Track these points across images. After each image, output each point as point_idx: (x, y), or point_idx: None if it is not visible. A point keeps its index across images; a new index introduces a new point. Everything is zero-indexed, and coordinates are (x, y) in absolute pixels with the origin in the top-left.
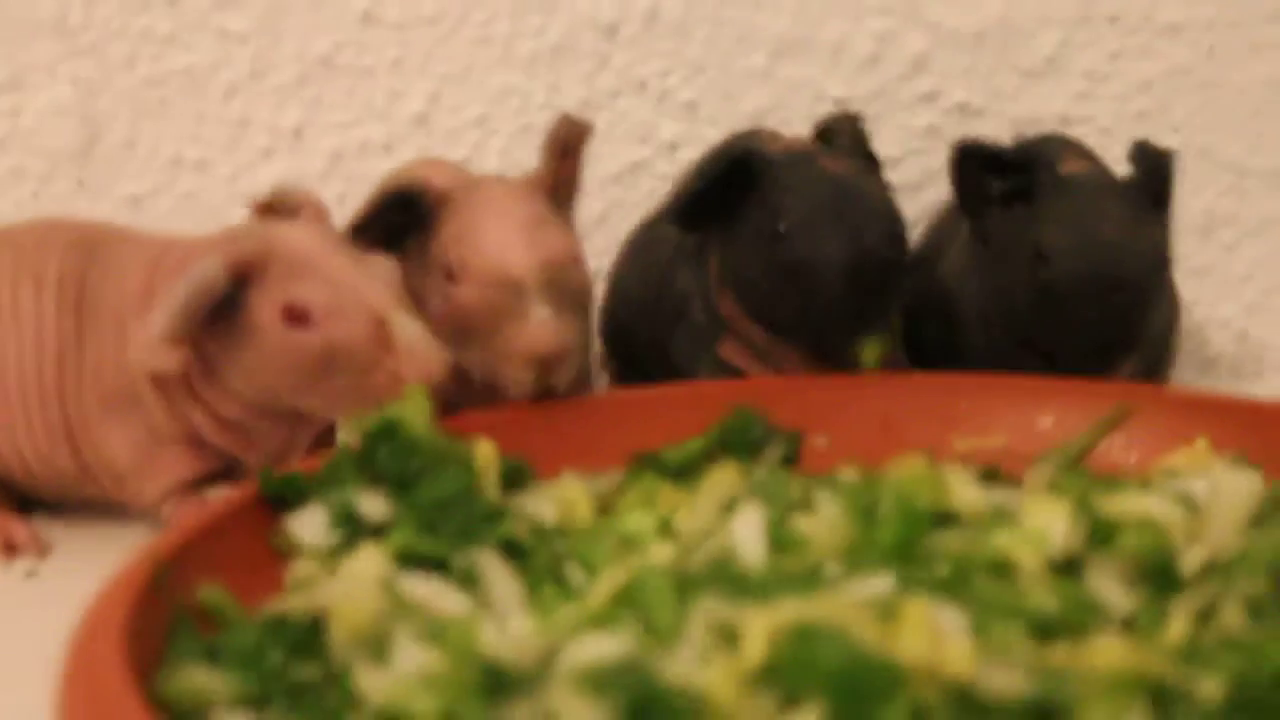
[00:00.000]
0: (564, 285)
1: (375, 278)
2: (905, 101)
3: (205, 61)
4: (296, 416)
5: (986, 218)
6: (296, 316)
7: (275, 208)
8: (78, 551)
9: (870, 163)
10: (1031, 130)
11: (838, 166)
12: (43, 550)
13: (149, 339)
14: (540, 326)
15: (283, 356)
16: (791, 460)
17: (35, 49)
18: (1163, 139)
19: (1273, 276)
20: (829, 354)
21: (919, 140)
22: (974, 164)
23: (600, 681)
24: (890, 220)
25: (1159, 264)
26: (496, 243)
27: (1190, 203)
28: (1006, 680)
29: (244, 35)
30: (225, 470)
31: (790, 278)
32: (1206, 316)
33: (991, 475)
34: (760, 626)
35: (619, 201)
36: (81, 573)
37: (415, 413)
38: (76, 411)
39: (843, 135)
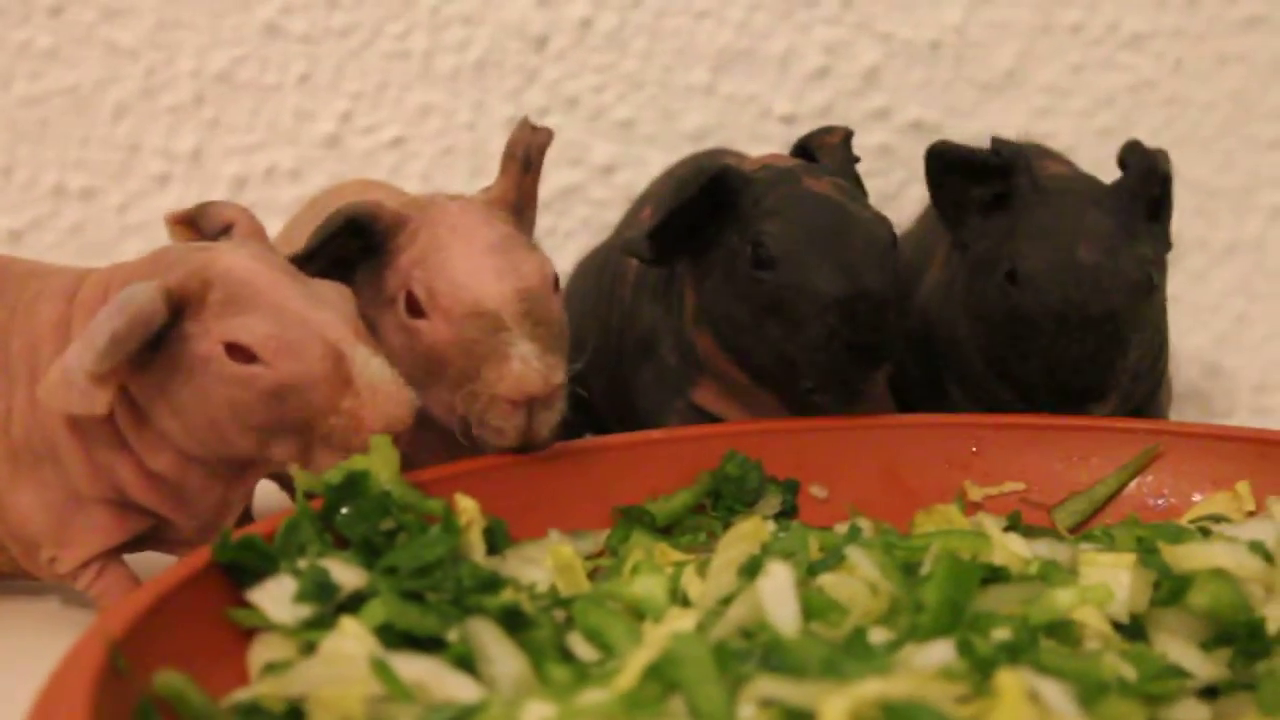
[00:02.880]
0: (544, 316)
1: (328, 306)
2: (856, 119)
3: (91, 79)
4: (233, 469)
5: (965, 227)
6: (242, 352)
7: (199, 223)
8: None
9: (857, 184)
10: None
11: (824, 187)
12: None
13: (69, 377)
14: (525, 365)
15: (227, 395)
16: (789, 512)
17: None
18: None
19: (1243, 304)
20: (817, 402)
21: (872, 160)
22: (949, 168)
23: None
24: (887, 249)
25: (1142, 289)
26: (465, 270)
27: None
28: None
29: (134, 50)
30: (150, 534)
31: (774, 313)
32: (1175, 348)
33: (1014, 524)
34: (840, 709)
35: (550, 229)
36: None
37: (382, 465)
38: None
39: (827, 152)
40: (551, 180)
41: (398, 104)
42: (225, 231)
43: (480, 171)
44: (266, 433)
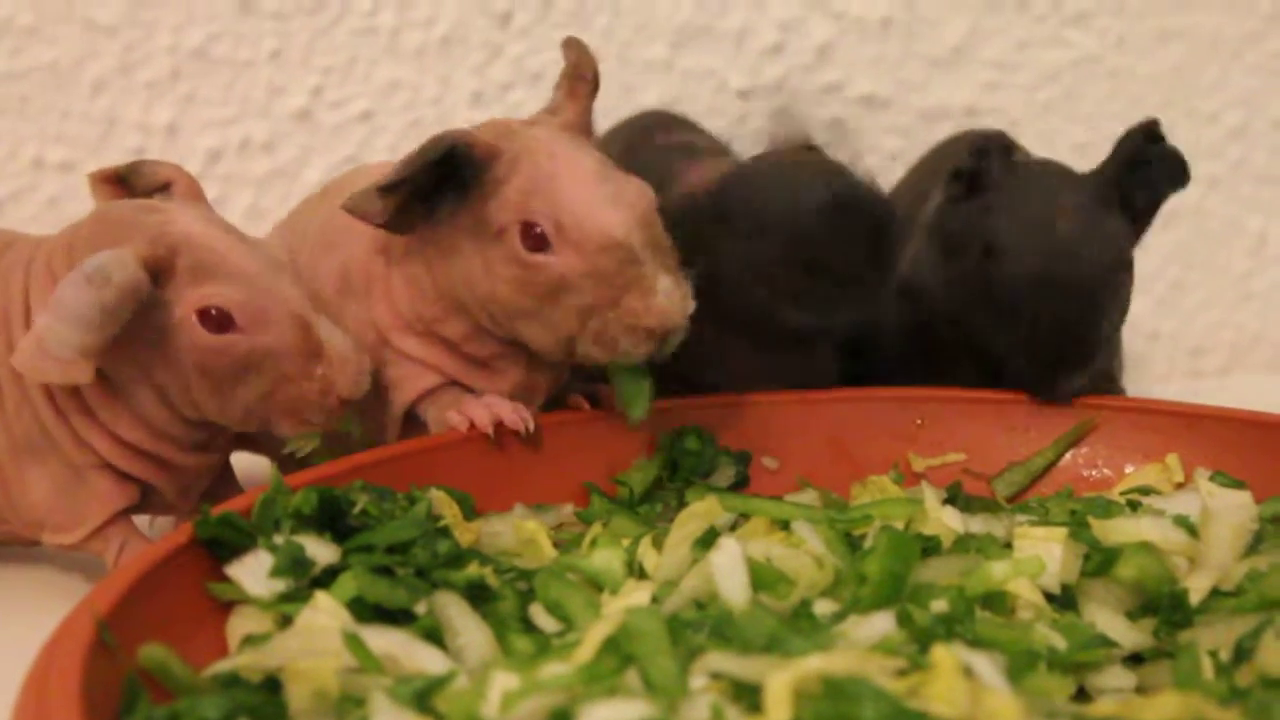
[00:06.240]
0: (662, 242)
1: (284, 271)
2: (810, 93)
3: (70, 55)
4: (201, 440)
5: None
6: (216, 319)
7: (129, 181)
8: None
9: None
10: (937, 122)
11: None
12: None
13: (45, 347)
14: (669, 299)
15: (199, 361)
16: (741, 483)
17: None
18: (1071, 130)
19: (1180, 271)
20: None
21: (824, 133)
22: None
23: None
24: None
25: (1118, 264)
26: (584, 200)
27: None
28: None
29: (112, 27)
30: (144, 501)
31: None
32: None
33: (954, 495)
34: (784, 684)
35: None
36: None
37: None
38: None
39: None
40: None
41: (366, 79)
42: (161, 190)
43: None
44: (237, 395)
